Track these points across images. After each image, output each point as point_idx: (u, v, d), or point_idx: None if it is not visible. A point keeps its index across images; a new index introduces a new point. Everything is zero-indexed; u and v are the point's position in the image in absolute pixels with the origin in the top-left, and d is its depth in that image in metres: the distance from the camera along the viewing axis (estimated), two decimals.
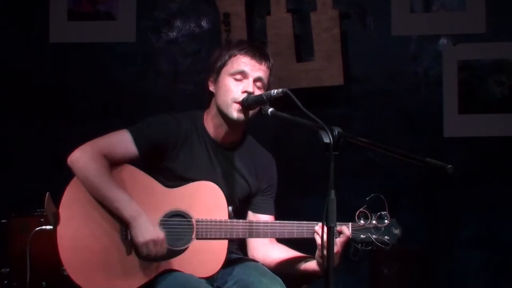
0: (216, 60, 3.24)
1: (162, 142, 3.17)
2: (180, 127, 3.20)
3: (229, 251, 3.22)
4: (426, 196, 4.74)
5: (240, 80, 3.17)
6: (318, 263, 3.10)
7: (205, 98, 3.29)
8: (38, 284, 3.76)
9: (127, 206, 3.03)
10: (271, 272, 3.13)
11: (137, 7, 4.90)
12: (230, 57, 3.19)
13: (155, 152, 3.17)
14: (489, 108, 4.70)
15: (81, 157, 3.08)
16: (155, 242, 3.01)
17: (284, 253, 3.26)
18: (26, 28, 4.93)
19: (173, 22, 4.94)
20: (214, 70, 3.23)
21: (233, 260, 3.23)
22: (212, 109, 3.25)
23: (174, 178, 3.16)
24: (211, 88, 3.25)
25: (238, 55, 3.19)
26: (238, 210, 3.26)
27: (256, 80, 3.18)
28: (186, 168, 3.18)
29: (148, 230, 3.01)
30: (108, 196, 3.04)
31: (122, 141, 3.14)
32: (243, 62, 3.18)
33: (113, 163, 3.11)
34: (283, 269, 3.22)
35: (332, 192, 2.64)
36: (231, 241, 3.17)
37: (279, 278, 3.08)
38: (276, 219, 3.30)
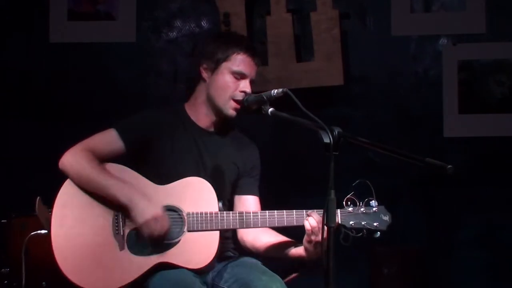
0: (214, 50, 3.27)
1: (147, 134, 3.22)
2: (162, 119, 3.26)
3: (225, 251, 3.26)
4: (426, 196, 4.74)
5: (238, 79, 3.23)
6: (305, 248, 3.12)
7: (191, 82, 3.32)
8: (38, 284, 3.77)
9: (121, 190, 3.06)
10: (270, 271, 3.15)
11: (137, 7, 4.90)
12: (232, 54, 3.24)
13: (141, 145, 3.21)
14: (489, 108, 4.70)
15: (70, 157, 3.14)
16: (155, 218, 3.03)
17: (273, 237, 3.28)
18: (26, 28, 4.93)
19: (173, 22, 4.94)
20: (212, 60, 3.26)
21: (232, 258, 3.26)
22: (201, 96, 3.30)
23: (163, 170, 3.19)
24: (204, 75, 3.29)
25: (242, 54, 3.25)
26: (230, 201, 3.33)
27: (251, 80, 3.27)
28: (174, 158, 3.21)
29: (146, 209, 3.04)
30: (101, 185, 3.08)
31: (108, 138, 3.20)
32: (245, 63, 3.24)
33: (102, 160, 3.16)
34: (271, 252, 3.26)
35: (332, 192, 2.64)
36: (222, 240, 3.18)
37: (278, 276, 3.11)
38: None
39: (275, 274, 3.12)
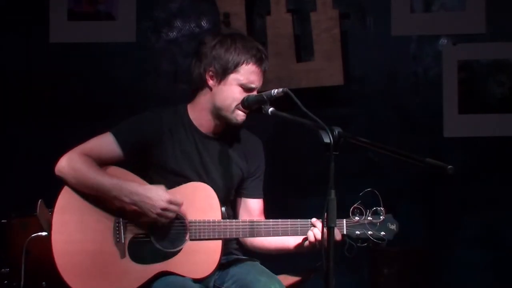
0: (222, 58, 3.14)
1: (145, 139, 3.15)
2: (162, 122, 3.18)
3: (228, 252, 3.23)
4: (426, 196, 4.74)
5: (246, 91, 3.14)
6: (303, 246, 3.12)
7: (194, 84, 3.22)
8: (39, 284, 3.77)
9: (124, 190, 3.03)
10: (269, 271, 3.14)
11: (137, 7, 4.90)
12: (241, 64, 3.12)
13: (140, 150, 3.15)
14: (489, 108, 4.70)
15: (67, 162, 3.08)
16: (166, 209, 3.01)
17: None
18: (26, 28, 4.93)
19: (173, 22, 4.94)
20: (219, 68, 3.13)
21: (231, 260, 3.23)
22: (205, 103, 3.19)
23: (165, 175, 3.15)
24: (210, 83, 3.17)
25: (252, 64, 3.13)
26: (233, 203, 3.29)
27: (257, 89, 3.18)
28: (176, 162, 3.16)
29: (153, 203, 3.00)
30: (103, 188, 3.04)
31: (106, 143, 3.13)
32: (254, 74, 3.13)
33: (100, 165, 3.10)
34: (271, 243, 3.23)
35: (332, 192, 2.64)
36: (226, 241, 3.15)
37: (276, 277, 3.10)
38: (275, 218, 3.31)
39: (273, 275, 3.11)
